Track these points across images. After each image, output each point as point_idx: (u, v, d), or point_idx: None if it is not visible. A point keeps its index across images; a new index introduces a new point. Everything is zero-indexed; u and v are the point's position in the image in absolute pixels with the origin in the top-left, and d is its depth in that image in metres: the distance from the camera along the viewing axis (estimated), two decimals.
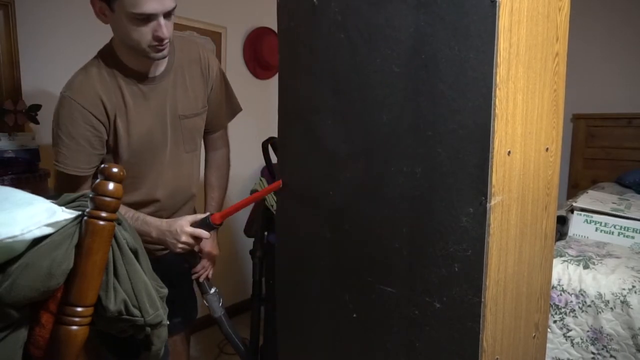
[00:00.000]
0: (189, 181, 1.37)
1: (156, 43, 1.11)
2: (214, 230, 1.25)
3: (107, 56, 1.19)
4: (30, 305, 0.66)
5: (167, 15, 1.11)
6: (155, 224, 1.19)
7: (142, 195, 1.26)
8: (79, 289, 0.67)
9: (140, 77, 1.20)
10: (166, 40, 1.12)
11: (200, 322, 2.56)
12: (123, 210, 1.16)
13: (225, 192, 1.49)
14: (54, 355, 0.68)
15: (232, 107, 1.46)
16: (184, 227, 1.17)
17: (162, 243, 1.21)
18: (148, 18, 1.07)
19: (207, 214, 1.21)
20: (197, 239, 1.20)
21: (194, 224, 1.18)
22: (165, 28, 1.11)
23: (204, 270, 1.36)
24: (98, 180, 0.69)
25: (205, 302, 1.37)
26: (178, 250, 1.20)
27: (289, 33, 1.00)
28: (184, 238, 1.17)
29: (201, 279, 1.36)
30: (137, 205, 1.25)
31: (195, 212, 1.50)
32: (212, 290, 1.36)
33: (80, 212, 0.70)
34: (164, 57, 1.16)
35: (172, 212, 1.34)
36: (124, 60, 1.18)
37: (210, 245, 1.38)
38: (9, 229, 0.61)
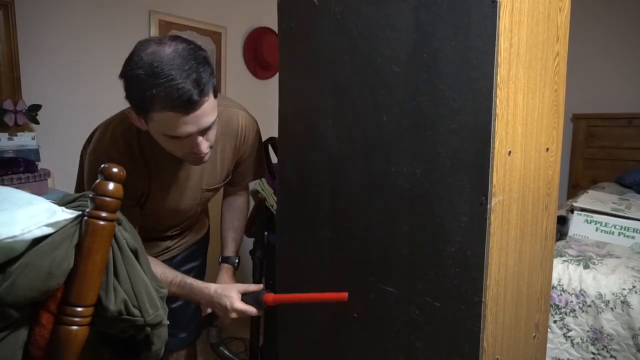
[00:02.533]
0: (193, 219, 1.35)
1: (194, 155, 1.01)
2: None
3: (134, 127, 1.05)
4: (30, 305, 0.66)
5: (206, 130, 0.98)
6: (203, 294, 1.12)
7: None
8: (79, 289, 0.67)
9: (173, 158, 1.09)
10: (206, 153, 1.01)
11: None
12: (171, 274, 1.12)
13: (243, 233, 1.45)
14: (54, 355, 0.68)
15: (258, 173, 1.37)
16: (235, 303, 1.09)
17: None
18: (184, 137, 0.96)
19: (261, 288, 1.13)
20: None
21: (245, 298, 1.11)
22: (204, 144, 0.99)
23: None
24: (98, 180, 0.69)
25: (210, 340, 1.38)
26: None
27: (289, 33, 1.00)
28: (233, 315, 1.11)
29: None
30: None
31: (206, 232, 1.48)
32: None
33: (80, 212, 0.70)
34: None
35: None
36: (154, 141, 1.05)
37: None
38: (9, 229, 0.61)
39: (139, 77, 0.89)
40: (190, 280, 1.14)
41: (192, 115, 0.91)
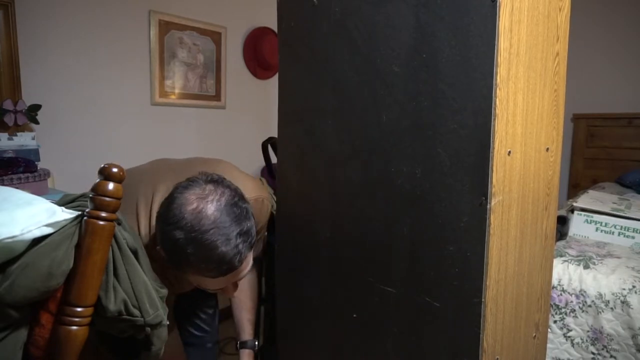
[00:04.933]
0: None
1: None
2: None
3: None
4: (30, 305, 0.66)
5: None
6: None
7: None
8: (79, 289, 0.67)
9: None
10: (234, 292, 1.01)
11: None
12: None
13: (257, 311, 1.40)
14: (54, 355, 0.68)
15: (262, 250, 1.38)
16: None
17: None
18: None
19: None
20: None
21: None
22: (236, 286, 0.98)
23: None
24: (98, 180, 0.68)
25: None
26: None
27: (289, 33, 1.00)
28: None
29: None
30: None
31: None
32: None
33: (80, 212, 0.70)
34: None
35: None
36: None
37: None
38: (9, 229, 0.61)
39: (177, 241, 0.82)
40: None
41: (228, 275, 0.88)
